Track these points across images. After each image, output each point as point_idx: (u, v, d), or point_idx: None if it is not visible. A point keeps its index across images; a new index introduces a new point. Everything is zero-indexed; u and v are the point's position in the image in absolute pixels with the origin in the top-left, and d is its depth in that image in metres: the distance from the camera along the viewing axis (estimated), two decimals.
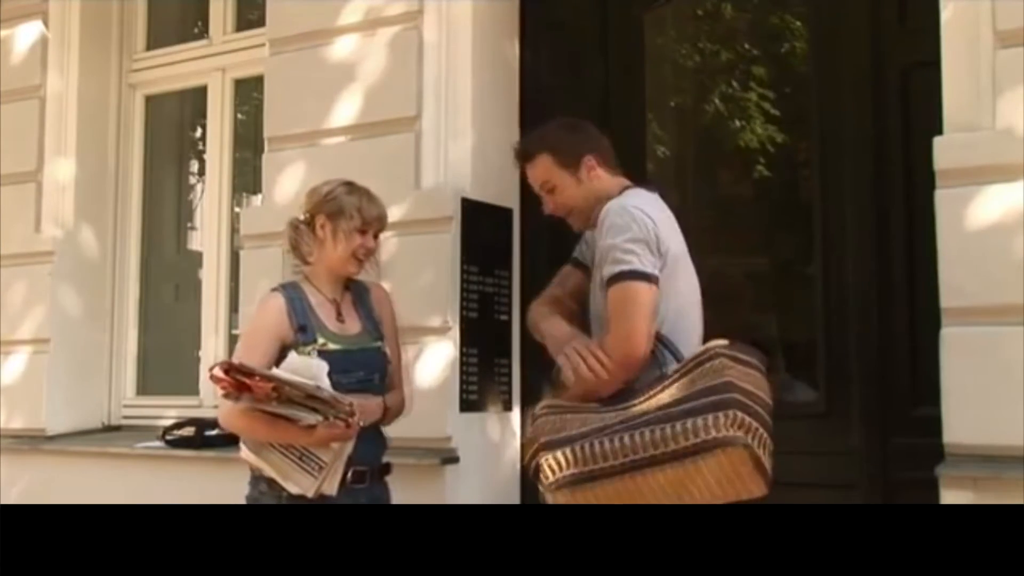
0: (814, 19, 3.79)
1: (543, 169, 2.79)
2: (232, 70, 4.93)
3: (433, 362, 3.76)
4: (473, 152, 3.89)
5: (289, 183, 4.12)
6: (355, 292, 3.08)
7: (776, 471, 2.33)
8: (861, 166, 3.52)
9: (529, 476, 2.48)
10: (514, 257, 4.00)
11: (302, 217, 3.04)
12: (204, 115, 5.02)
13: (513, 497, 3.89)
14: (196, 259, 5.13)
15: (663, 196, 2.76)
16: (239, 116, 4.99)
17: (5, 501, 4.58)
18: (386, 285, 3.25)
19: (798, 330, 3.81)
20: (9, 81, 5.08)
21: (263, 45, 4.46)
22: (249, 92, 4.95)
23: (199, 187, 5.30)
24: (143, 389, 5.11)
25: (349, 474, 2.86)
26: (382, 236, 3.12)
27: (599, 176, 2.75)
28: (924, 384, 3.13)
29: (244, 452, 2.90)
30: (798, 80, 3.97)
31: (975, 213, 2.95)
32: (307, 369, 2.74)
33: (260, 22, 4.62)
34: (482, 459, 3.83)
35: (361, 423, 2.78)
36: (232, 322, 4.70)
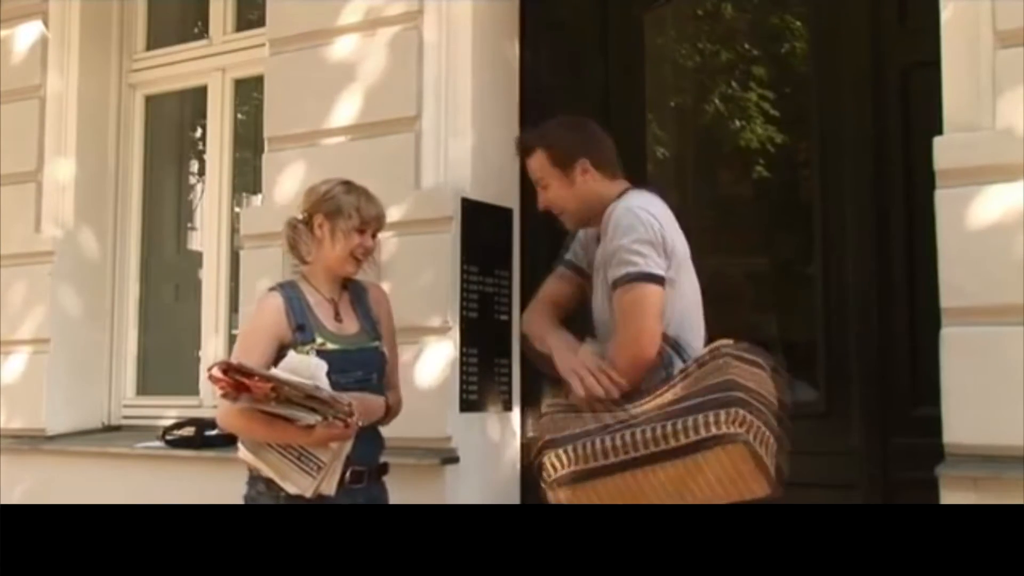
0: (814, 19, 3.78)
1: (538, 165, 2.79)
2: (232, 70, 4.93)
3: (433, 362, 3.76)
4: (473, 152, 3.89)
5: (289, 183, 4.11)
6: (353, 292, 3.07)
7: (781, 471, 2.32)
8: (861, 166, 3.51)
9: (533, 474, 2.47)
10: (514, 257, 4.00)
11: (300, 216, 3.03)
12: (204, 115, 5.02)
13: (513, 497, 3.89)
14: (196, 259, 5.13)
15: (663, 197, 2.76)
16: (239, 116, 4.99)
17: (6, 501, 4.58)
18: (386, 285, 3.25)
19: (798, 330, 3.81)
20: (9, 81, 5.08)
21: (263, 45, 4.46)
22: (249, 92, 4.95)
23: (199, 187, 5.30)
24: (143, 389, 5.11)
25: (347, 474, 2.85)
26: (382, 236, 3.11)
27: (593, 179, 2.73)
28: (924, 384, 3.13)
29: (242, 452, 2.89)
30: (798, 80, 3.96)
31: (975, 213, 2.95)
32: (306, 368, 2.73)
33: (260, 22, 4.62)
34: (482, 459, 3.82)
35: (361, 423, 2.78)
36: (232, 322, 4.70)
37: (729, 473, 2.28)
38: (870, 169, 3.50)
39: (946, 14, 3.08)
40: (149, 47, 5.23)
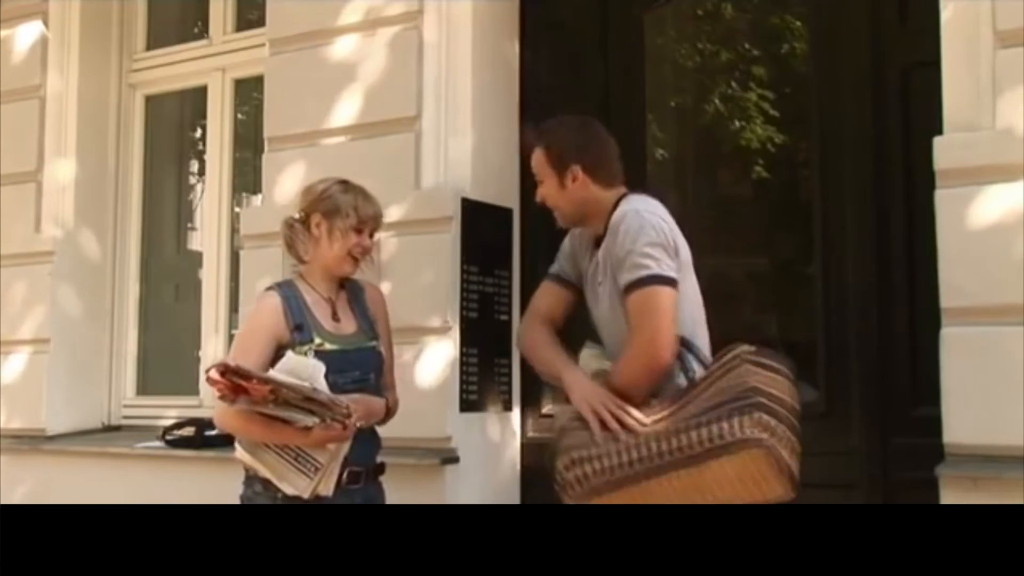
0: (814, 19, 3.78)
1: (536, 163, 2.80)
2: (232, 70, 4.93)
3: (433, 362, 3.75)
4: (473, 152, 3.89)
5: (289, 183, 4.11)
6: (350, 291, 3.06)
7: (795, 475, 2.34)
8: (861, 166, 3.51)
9: (556, 489, 2.47)
10: (514, 257, 4.00)
11: (297, 216, 3.02)
12: (204, 115, 5.02)
13: (513, 497, 3.89)
14: (196, 259, 5.13)
15: (662, 200, 2.76)
16: (239, 116, 4.99)
17: (6, 501, 4.58)
18: (386, 285, 3.25)
19: (798, 330, 3.81)
20: (9, 81, 5.08)
21: (263, 45, 4.46)
22: (249, 92, 4.95)
23: (199, 187, 5.30)
24: (143, 389, 5.11)
25: (345, 475, 2.85)
26: (381, 236, 3.11)
27: (584, 186, 2.72)
28: (924, 384, 3.13)
29: (239, 452, 2.89)
30: (798, 80, 3.96)
31: (975, 213, 2.95)
32: (304, 369, 2.73)
33: (260, 22, 4.62)
34: (482, 459, 3.82)
35: (360, 424, 2.78)
36: (232, 322, 4.70)
37: (753, 476, 2.30)
38: (870, 169, 3.50)
39: (946, 14, 3.08)
40: (149, 47, 5.23)
